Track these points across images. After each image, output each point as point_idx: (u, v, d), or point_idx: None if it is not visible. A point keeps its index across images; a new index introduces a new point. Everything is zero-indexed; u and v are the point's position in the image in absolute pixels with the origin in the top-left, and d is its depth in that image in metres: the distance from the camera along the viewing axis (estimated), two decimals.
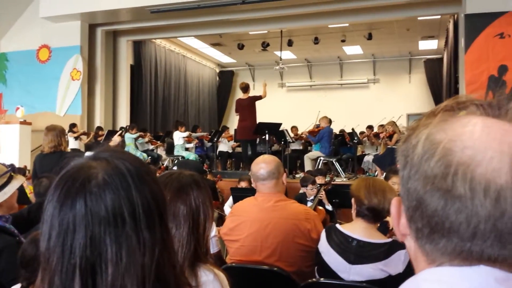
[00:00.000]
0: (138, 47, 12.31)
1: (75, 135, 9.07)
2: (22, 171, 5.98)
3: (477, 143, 0.54)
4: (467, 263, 0.55)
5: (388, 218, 2.81)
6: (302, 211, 2.43)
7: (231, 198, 5.25)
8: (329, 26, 11.53)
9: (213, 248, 2.46)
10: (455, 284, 0.55)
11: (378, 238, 2.14)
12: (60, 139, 4.32)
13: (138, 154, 8.76)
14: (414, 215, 0.59)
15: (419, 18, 10.67)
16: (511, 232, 0.53)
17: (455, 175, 0.53)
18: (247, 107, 8.42)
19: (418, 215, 0.58)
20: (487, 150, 0.53)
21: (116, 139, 5.27)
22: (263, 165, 2.45)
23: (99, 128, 9.60)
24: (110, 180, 0.74)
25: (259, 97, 8.51)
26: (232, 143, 10.93)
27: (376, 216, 2.13)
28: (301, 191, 5.24)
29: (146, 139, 9.87)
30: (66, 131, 8.89)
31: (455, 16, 9.02)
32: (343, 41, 12.71)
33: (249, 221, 2.40)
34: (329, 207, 4.91)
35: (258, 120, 8.50)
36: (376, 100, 14.81)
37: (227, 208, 5.19)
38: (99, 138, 8.99)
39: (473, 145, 0.54)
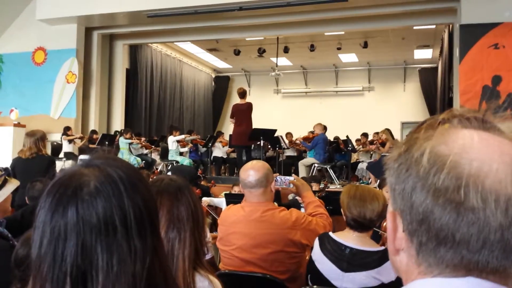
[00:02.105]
0: (134, 51, 12.31)
1: (69, 138, 9.03)
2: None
3: (481, 155, 0.55)
4: (470, 273, 0.56)
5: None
6: (289, 219, 2.36)
7: (220, 200, 5.25)
8: (325, 34, 11.60)
9: (207, 254, 2.45)
10: None
11: (371, 246, 2.14)
12: (39, 145, 4.41)
13: (132, 158, 8.74)
14: (418, 229, 0.58)
15: (414, 28, 10.76)
16: None
17: (467, 187, 0.54)
18: (244, 112, 8.41)
19: (424, 229, 0.57)
20: (492, 162, 0.54)
21: None
22: (251, 172, 2.39)
23: (94, 132, 9.58)
24: (102, 188, 0.74)
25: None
26: (226, 148, 10.93)
27: (361, 226, 2.13)
28: (292, 196, 5.25)
29: (140, 144, 9.85)
30: (61, 134, 8.90)
31: (450, 26, 9.09)
32: (338, 48, 12.79)
33: (237, 233, 2.38)
34: None
35: (253, 126, 8.50)
36: (371, 108, 14.88)
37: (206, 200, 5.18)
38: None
39: (478, 157, 0.55)
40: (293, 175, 2.79)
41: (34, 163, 4.37)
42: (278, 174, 2.79)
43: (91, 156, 0.82)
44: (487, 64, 7.22)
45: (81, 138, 9.29)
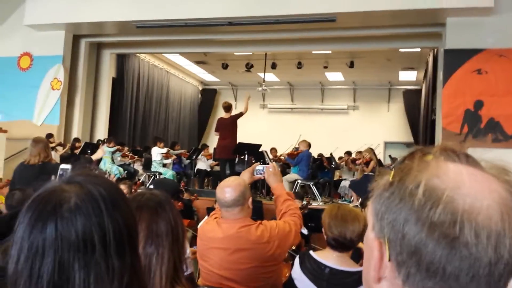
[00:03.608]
0: (121, 60, 12.25)
1: (51, 145, 8.90)
2: None
3: (473, 191, 0.56)
4: None
5: (361, 245, 2.83)
6: (265, 234, 2.33)
7: (207, 217, 5.21)
8: (313, 52, 11.72)
9: (186, 270, 2.43)
10: None
11: (351, 266, 2.15)
12: (47, 152, 4.36)
13: (114, 168, 8.65)
14: (408, 260, 0.58)
15: (400, 50, 10.94)
16: (500, 276, 0.56)
17: (462, 223, 0.55)
18: (229, 126, 8.41)
19: (415, 261, 0.57)
20: (483, 198, 0.56)
21: (99, 153, 5.31)
22: (228, 190, 2.34)
23: (76, 140, 9.46)
24: (82, 205, 0.74)
25: (240, 114, 8.51)
26: (211, 161, 10.89)
27: (341, 246, 2.14)
28: None
29: (123, 153, 9.75)
30: None
31: (435, 50, 9.27)
32: (325, 67, 12.93)
33: (215, 249, 2.37)
34: (304, 231, 4.90)
35: (238, 140, 8.50)
36: (355, 127, 15.03)
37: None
38: (76, 150, 8.85)
39: (471, 193, 0.56)
40: (271, 163, 2.76)
41: (34, 170, 4.20)
42: (258, 163, 2.74)
43: (73, 172, 0.81)
44: (470, 88, 7.34)
45: (62, 145, 9.16)
